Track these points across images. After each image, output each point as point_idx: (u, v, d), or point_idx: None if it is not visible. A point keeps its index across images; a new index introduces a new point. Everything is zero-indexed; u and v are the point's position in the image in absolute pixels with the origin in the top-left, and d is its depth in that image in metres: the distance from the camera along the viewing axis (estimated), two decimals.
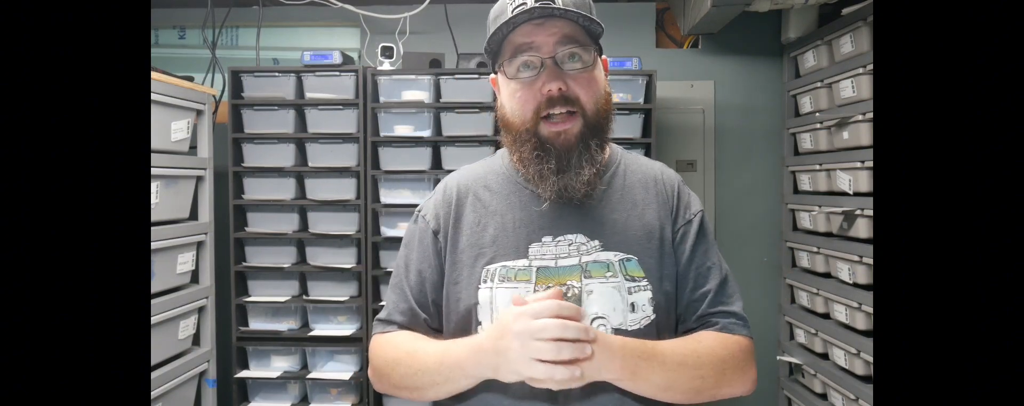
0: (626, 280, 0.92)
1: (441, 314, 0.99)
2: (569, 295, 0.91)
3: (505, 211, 0.98)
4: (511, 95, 0.94)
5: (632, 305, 0.92)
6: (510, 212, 0.98)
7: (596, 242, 0.94)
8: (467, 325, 0.95)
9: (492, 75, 1.00)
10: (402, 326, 1.00)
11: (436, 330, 1.00)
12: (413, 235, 1.04)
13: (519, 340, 0.80)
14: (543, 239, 0.95)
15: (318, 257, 2.24)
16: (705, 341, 0.92)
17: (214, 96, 2.20)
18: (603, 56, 0.99)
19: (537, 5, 0.88)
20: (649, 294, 0.93)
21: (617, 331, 0.91)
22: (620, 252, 0.94)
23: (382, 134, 2.21)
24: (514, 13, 0.88)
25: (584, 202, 0.95)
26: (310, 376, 2.19)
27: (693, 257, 0.97)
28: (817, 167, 2.20)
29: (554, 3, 0.88)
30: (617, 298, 0.92)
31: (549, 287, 0.90)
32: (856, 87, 1.95)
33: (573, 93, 0.91)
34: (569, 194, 0.93)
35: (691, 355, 0.90)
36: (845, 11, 2.01)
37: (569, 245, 0.94)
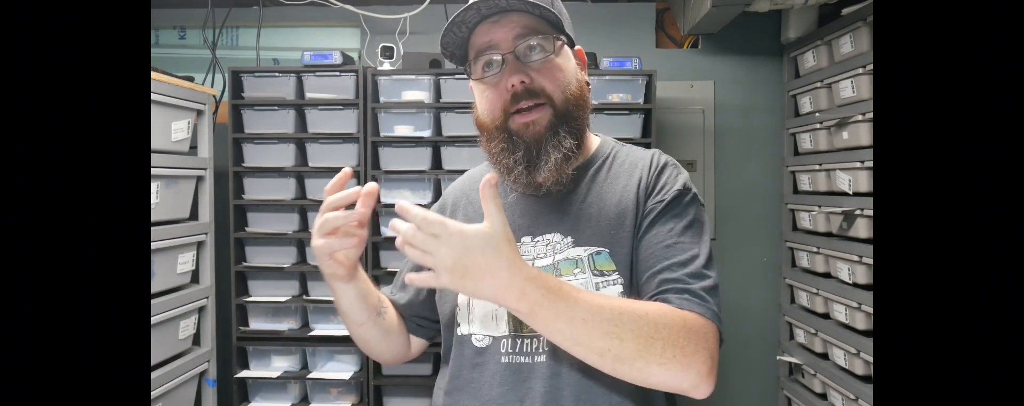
0: (594, 275, 0.89)
1: (418, 312, 1.07)
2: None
3: None
4: (481, 96, 0.94)
5: None
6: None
7: (569, 239, 0.92)
8: (451, 326, 0.97)
9: (470, 81, 0.97)
10: None
11: (409, 322, 1.09)
12: None
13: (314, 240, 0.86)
14: (523, 240, 0.94)
15: None
16: (639, 304, 0.79)
17: (214, 96, 2.20)
18: (577, 46, 0.97)
19: (483, 1, 0.86)
20: (619, 288, 0.88)
21: None
22: (591, 246, 0.91)
23: (382, 134, 2.21)
24: (462, 11, 0.87)
25: (552, 191, 0.93)
26: (310, 376, 2.19)
27: (652, 230, 0.88)
28: (817, 167, 2.20)
29: None
30: None
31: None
32: (856, 87, 1.95)
33: (537, 85, 0.89)
34: (537, 185, 0.91)
35: (609, 308, 0.75)
36: (845, 11, 2.01)
37: (546, 245, 0.93)
